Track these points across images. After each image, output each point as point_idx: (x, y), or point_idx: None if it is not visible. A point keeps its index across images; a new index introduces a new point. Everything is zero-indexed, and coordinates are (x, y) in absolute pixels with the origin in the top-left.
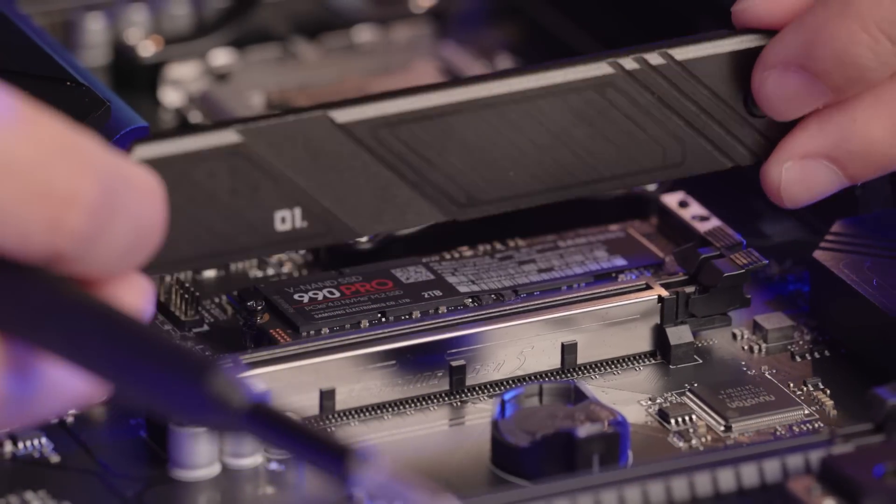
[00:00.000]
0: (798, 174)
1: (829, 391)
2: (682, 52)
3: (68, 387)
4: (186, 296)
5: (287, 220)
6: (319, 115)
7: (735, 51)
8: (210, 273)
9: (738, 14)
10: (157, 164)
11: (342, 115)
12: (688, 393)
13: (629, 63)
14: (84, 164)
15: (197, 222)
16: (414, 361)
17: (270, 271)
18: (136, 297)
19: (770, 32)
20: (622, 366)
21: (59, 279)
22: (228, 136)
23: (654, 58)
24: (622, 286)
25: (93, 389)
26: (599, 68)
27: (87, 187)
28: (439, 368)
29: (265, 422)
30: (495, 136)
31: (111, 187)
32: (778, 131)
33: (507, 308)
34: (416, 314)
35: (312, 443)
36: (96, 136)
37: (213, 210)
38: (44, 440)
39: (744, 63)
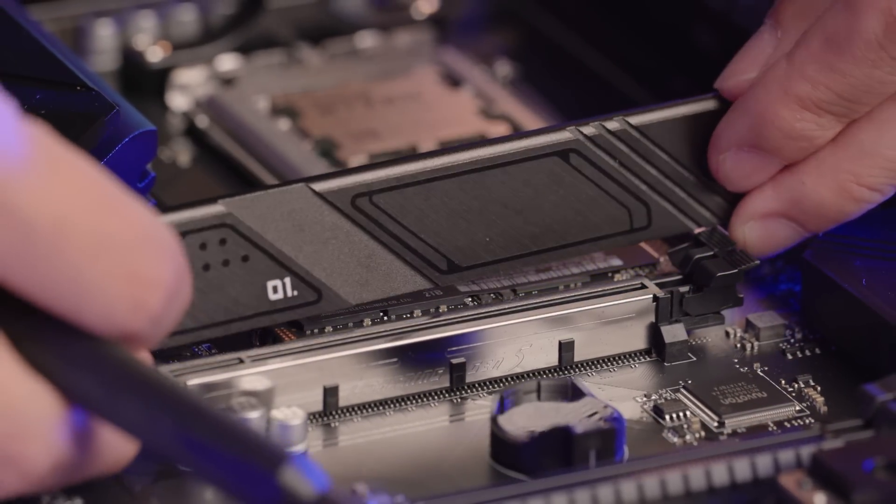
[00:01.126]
0: (760, 232)
1: (819, 388)
2: (640, 119)
3: (116, 449)
4: None
5: (279, 289)
6: (300, 187)
7: (690, 115)
8: None
9: (721, 89)
10: None
11: (321, 186)
12: (682, 390)
13: (589, 129)
14: (167, 250)
15: (193, 293)
16: (415, 359)
17: None
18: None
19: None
20: (618, 363)
21: (134, 357)
22: (215, 209)
23: (613, 124)
24: (618, 286)
25: (134, 449)
26: (562, 135)
27: (169, 273)
28: (440, 366)
29: None
30: (469, 201)
31: (181, 273)
32: (738, 194)
33: (506, 307)
34: (418, 313)
35: None
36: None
37: (208, 281)
38: None
39: (700, 127)
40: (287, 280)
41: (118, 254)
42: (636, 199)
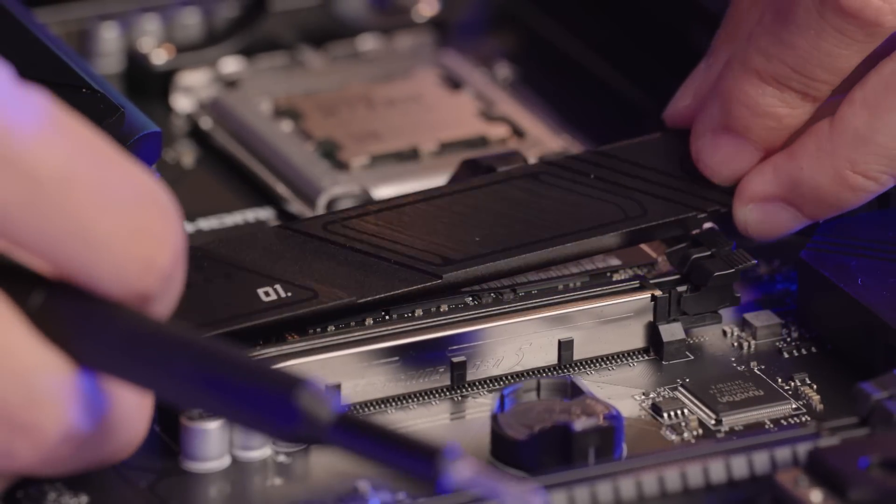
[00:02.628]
0: (760, 216)
1: (815, 386)
2: (607, 147)
3: (130, 424)
4: None
5: (271, 294)
6: (269, 228)
7: (658, 138)
8: None
9: (665, 120)
10: None
11: (290, 223)
12: (680, 388)
13: (553, 159)
14: (169, 208)
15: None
16: (416, 358)
17: None
18: None
19: None
20: (617, 362)
21: (142, 313)
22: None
23: (581, 155)
24: (617, 285)
25: (146, 427)
26: (527, 167)
27: (176, 229)
28: (441, 364)
29: (352, 432)
30: (443, 217)
31: (182, 235)
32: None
33: (506, 306)
34: (419, 312)
35: (400, 447)
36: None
37: (194, 297)
38: None
39: (671, 146)
40: (278, 286)
41: (125, 208)
42: (622, 197)
